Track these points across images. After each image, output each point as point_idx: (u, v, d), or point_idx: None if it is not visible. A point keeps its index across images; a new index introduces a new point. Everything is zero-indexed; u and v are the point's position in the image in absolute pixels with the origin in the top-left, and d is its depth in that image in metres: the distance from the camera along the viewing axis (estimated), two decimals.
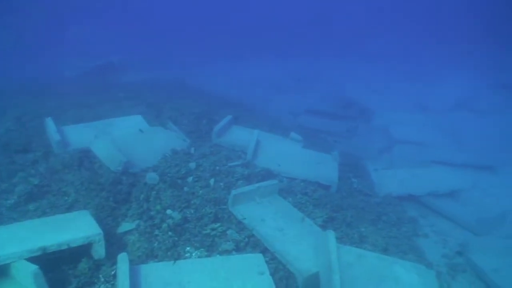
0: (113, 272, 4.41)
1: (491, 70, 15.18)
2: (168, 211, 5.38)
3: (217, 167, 6.47)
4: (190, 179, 6.05)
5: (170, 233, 5.08)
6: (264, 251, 5.06)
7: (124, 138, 6.86)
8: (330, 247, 4.81)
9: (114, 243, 4.91)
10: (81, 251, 4.53)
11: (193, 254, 4.89)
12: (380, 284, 4.82)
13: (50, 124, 6.90)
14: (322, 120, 10.70)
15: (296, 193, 6.50)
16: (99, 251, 4.54)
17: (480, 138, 10.22)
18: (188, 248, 4.98)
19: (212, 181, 6.09)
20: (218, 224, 5.34)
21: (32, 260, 3.99)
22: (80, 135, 6.94)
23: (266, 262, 4.78)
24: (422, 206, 7.58)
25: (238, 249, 5.08)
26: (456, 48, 17.49)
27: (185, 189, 5.86)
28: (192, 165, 6.31)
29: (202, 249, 5.00)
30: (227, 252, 4.99)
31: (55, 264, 4.41)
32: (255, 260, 4.68)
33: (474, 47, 17.32)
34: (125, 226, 5.21)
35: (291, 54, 17.29)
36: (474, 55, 16.63)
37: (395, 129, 10.32)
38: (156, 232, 5.10)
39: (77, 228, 4.54)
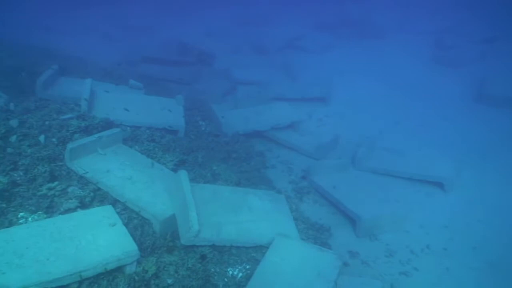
0: None
1: (316, 13, 16.45)
2: None
3: (47, 122, 5.65)
4: (13, 138, 5.15)
5: None
6: (114, 202, 4.68)
7: None
8: (184, 186, 4.68)
9: None
10: None
11: (30, 219, 4.23)
12: (237, 214, 4.91)
13: None
14: (162, 67, 10.25)
15: (143, 141, 6.14)
16: None
17: (311, 74, 11.07)
18: (22, 214, 4.28)
19: (42, 137, 5.30)
20: (56, 183, 4.70)
21: None
22: None
23: (118, 213, 4.42)
24: (267, 140, 7.96)
25: (84, 205, 4.58)
26: None
27: (9, 150, 4.97)
28: (14, 122, 5.38)
29: (39, 212, 4.35)
30: (71, 210, 4.45)
31: None
32: (104, 212, 4.28)
33: None
34: None
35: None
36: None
37: (236, 71, 10.46)
38: None
39: None
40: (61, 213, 4.39)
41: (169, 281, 3.97)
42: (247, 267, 4.47)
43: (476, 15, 16.03)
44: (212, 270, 4.30)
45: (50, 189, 4.61)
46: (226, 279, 4.27)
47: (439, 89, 10.73)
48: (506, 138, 8.68)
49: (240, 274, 4.37)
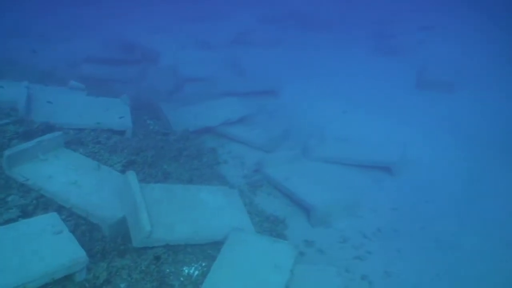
0: None
1: (262, 6, 16.52)
2: None
3: None
4: None
5: None
6: (60, 209, 4.46)
7: None
8: (133, 187, 4.53)
9: None
10: None
11: None
12: (190, 211, 4.83)
13: None
14: (105, 67, 9.90)
15: (88, 143, 5.90)
16: None
17: (259, 68, 11.09)
18: None
19: None
20: None
21: None
22: None
23: (63, 220, 4.21)
24: (218, 136, 7.88)
25: (26, 214, 4.33)
26: None
27: None
28: None
29: None
30: (12, 221, 4.20)
31: None
32: (48, 220, 4.06)
33: None
34: None
35: None
36: None
37: (183, 68, 10.29)
38: None
39: None
40: (0, 224, 4.14)
41: (122, 285, 3.84)
42: (203, 264, 4.41)
43: (414, 5, 16.81)
44: (167, 270, 4.21)
45: None
46: (182, 279, 4.19)
47: (382, 76, 11.14)
48: (446, 120, 9.18)
49: (196, 272, 4.30)
